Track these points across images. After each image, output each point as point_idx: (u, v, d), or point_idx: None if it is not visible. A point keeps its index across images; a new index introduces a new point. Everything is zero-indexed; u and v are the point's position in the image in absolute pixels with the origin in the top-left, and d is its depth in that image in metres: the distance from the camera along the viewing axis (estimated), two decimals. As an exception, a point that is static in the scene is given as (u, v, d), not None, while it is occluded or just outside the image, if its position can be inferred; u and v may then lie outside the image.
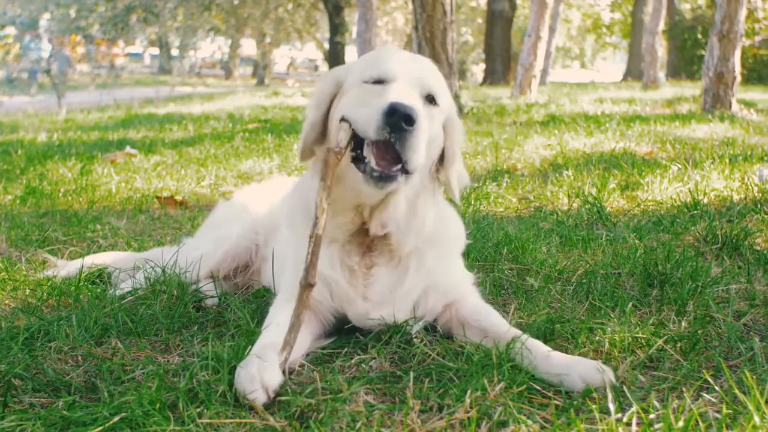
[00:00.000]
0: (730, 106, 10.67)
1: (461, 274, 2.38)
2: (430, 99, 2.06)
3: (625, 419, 1.66)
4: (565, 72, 53.80)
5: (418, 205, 2.13)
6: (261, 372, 1.78)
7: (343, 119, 1.98)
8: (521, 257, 3.06)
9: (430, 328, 2.31)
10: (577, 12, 39.92)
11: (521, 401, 1.79)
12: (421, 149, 1.92)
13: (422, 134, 1.92)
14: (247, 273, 2.81)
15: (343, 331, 2.27)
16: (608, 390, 1.77)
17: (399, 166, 1.92)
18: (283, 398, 1.80)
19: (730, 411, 1.69)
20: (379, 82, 2.03)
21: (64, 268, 3.07)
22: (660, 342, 2.10)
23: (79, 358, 2.12)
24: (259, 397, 1.75)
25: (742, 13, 10.39)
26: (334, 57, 27.30)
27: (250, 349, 1.95)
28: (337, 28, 26.09)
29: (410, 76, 2.04)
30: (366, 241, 2.18)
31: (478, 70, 39.74)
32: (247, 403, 1.76)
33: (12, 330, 2.25)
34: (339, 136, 1.95)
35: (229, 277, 2.82)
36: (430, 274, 2.21)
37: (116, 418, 1.66)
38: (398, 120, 1.85)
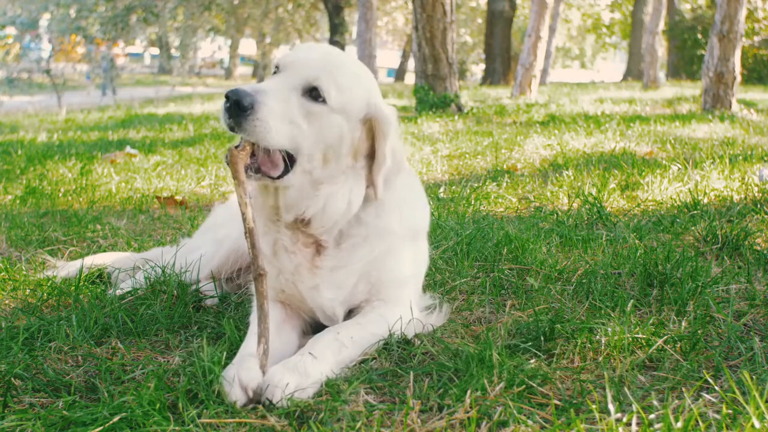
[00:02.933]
0: (730, 106, 10.68)
1: (404, 278, 2.28)
2: (315, 95, 1.99)
3: (625, 419, 1.66)
4: (565, 72, 53.81)
5: (321, 195, 2.07)
6: (239, 373, 1.80)
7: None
8: (521, 257, 3.06)
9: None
10: (577, 12, 39.94)
11: (521, 401, 1.79)
12: (269, 134, 1.91)
13: (268, 118, 1.90)
14: (249, 273, 2.81)
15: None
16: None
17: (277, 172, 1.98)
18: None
19: (730, 411, 1.69)
20: (276, 73, 2.07)
21: (64, 268, 3.08)
22: (660, 342, 2.10)
23: (79, 358, 2.12)
24: (240, 398, 1.77)
25: (742, 13, 10.40)
26: (334, 57, 27.18)
27: (234, 355, 1.98)
28: (337, 28, 26.07)
29: (297, 66, 2.03)
30: (308, 231, 2.15)
31: (478, 70, 39.76)
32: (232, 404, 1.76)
33: (12, 330, 2.25)
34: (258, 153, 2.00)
35: (231, 279, 2.82)
36: (361, 261, 2.17)
37: (116, 418, 1.66)
38: (233, 106, 1.88)
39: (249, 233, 1.92)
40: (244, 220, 1.92)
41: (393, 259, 2.23)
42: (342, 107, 2.04)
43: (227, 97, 1.89)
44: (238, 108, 1.88)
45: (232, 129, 1.94)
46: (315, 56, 2.05)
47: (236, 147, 1.96)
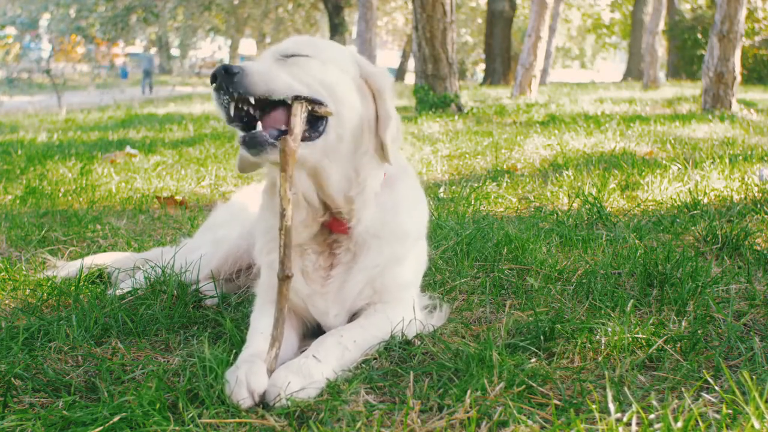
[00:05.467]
0: (730, 106, 10.69)
1: (407, 281, 2.27)
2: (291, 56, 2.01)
3: (625, 419, 1.66)
4: (565, 72, 53.85)
5: (359, 173, 2.05)
6: (248, 377, 1.79)
7: (297, 98, 1.92)
8: (521, 257, 3.06)
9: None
10: (577, 12, 39.98)
11: (521, 401, 1.78)
12: (274, 79, 1.88)
13: (261, 69, 1.90)
14: (249, 274, 2.81)
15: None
16: None
17: (267, 131, 1.88)
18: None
19: (730, 411, 1.69)
20: None
21: (64, 268, 3.08)
22: (660, 342, 2.10)
23: (79, 358, 2.12)
24: (246, 401, 1.76)
25: (742, 13, 10.41)
26: (334, 57, 27.21)
27: (236, 354, 1.97)
28: (337, 28, 26.08)
29: (270, 50, 2.06)
30: (327, 240, 2.14)
31: (478, 70, 39.79)
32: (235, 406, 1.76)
33: (12, 330, 2.25)
34: (292, 122, 1.90)
35: (230, 279, 2.82)
36: (372, 269, 2.15)
37: (116, 418, 1.66)
38: (221, 75, 1.87)
39: (285, 231, 1.87)
40: (283, 216, 1.87)
41: (400, 265, 2.22)
42: (328, 58, 2.04)
43: (214, 76, 1.88)
44: (228, 74, 1.86)
45: (230, 118, 1.91)
46: (290, 40, 2.10)
47: (290, 136, 1.87)
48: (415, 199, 2.29)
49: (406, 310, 2.21)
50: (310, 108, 1.93)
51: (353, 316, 2.23)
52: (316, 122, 1.97)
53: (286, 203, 1.87)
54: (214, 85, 1.91)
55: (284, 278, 1.89)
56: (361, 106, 2.07)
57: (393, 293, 2.22)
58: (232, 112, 1.92)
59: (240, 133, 1.92)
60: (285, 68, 1.97)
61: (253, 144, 1.89)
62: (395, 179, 2.22)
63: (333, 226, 2.12)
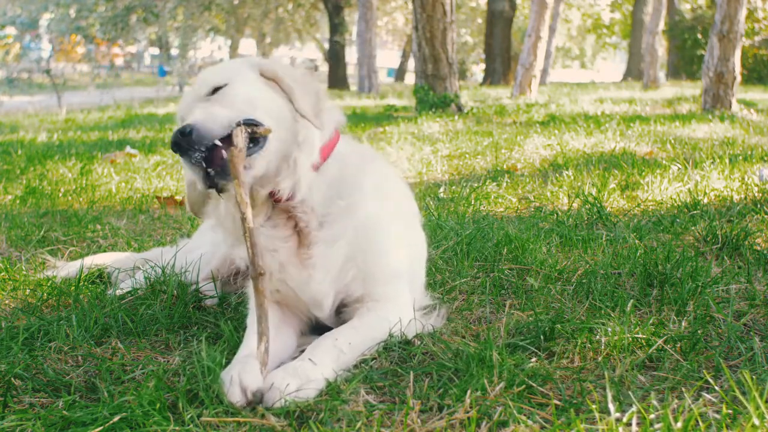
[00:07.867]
0: (730, 106, 10.69)
1: (395, 268, 2.28)
2: (218, 90, 2.12)
3: (625, 419, 1.66)
4: (565, 72, 53.86)
5: (291, 154, 2.13)
6: (241, 375, 1.81)
7: (239, 123, 2.00)
8: (521, 257, 3.06)
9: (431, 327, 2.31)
10: (577, 12, 39.96)
11: (521, 401, 1.79)
12: (217, 116, 1.99)
13: (205, 114, 2.00)
14: (246, 278, 2.81)
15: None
16: None
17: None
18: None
19: (730, 411, 1.69)
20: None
21: (64, 268, 3.08)
22: (660, 342, 2.10)
23: (79, 358, 2.12)
24: (239, 399, 1.77)
25: (742, 13, 10.41)
26: (334, 57, 27.29)
27: (233, 354, 1.98)
28: (337, 28, 26.07)
29: (193, 94, 2.16)
30: (279, 207, 2.17)
31: (478, 70, 39.80)
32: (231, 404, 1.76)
33: (12, 330, 2.25)
34: (235, 140, 1.98)
35: (228, 282, 2.82)
36: (345, 241, 2.17)
37: (116, 418, 1.66)
38: (179, 139, 1.95)
39: (249, 233, 1.93)
40: (244, 220, 1.93)
41: (377, 236, 2.22)
42: (237, 78, 2.15)
43: (176, 143, 1.96)
44: (183, 136, 1.94)
45: (209, 175, 1.97)
46: (207, 73, 2.22)
47: (236, 149, 1.95)
48: (381, 183, 2.33)
49: (402, 308, 2.21)
50: (249, 131, 2.00)
51: (345, 308, 2.24)
52: (257, 140, 2.04)
53: (245, 207, 1.93)
54: (178, 153, 1.98)
55: (257, 275, 1.94)
56: (283, 102, 2.14)
57: (381, 285, 2.21)
58: (205, 166, 1.97)
59: (208, 175, 1.98)
60: (215, 105, 2.07)
61: (223, 175, 1.96)
62: (355, 163, 2.26)
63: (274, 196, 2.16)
